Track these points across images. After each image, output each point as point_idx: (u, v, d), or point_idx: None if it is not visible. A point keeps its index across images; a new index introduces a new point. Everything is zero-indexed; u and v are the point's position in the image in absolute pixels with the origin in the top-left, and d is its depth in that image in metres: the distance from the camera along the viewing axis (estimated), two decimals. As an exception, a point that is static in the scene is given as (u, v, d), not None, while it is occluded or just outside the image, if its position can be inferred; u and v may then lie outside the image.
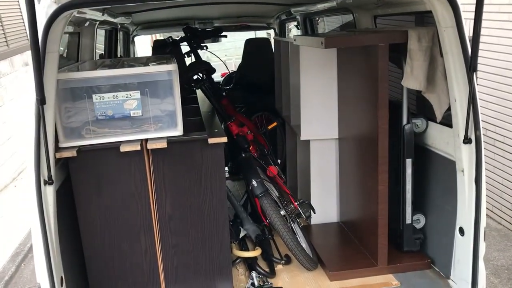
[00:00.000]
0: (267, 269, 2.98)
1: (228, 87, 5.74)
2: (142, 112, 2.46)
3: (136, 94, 2.43)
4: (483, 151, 2.48)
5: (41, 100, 2.10)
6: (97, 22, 3.58)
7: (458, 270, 2.69)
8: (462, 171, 2.54)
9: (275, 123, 4.58)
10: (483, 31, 5.51)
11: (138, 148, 2.44)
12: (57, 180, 2.39)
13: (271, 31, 6.20)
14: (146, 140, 2.50)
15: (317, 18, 5.23)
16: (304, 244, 3.07)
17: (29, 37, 1.99)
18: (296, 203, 3.16)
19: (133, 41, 5.75)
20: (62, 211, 2.40)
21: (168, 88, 2.45)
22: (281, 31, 5.81)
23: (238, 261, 3.11)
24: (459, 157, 2.55)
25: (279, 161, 4.71)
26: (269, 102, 4.75)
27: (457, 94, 2.49)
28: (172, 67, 2.44)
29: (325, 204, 3.55)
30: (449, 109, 2.63)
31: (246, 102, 5.06)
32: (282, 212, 3.06)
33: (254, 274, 2.89)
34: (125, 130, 2.48)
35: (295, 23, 5.50)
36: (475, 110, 2.42)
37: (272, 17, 5.59)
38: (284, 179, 3.66)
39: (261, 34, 9.11)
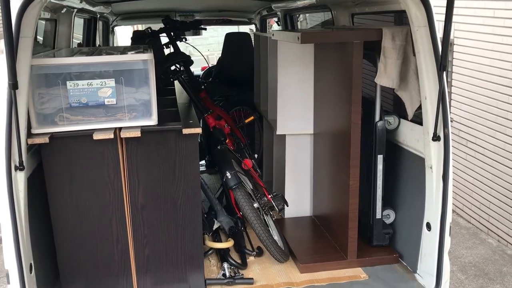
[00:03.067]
0: (239, 261, 3.02)
1: (207, 81, 5.74)
2: (116, 101, 2.45)
3: (111, 82, 2.42)
4: (451, 149, 2.56)
5: (13, 85, 2.09)
6: (75, 10, 3.55)
7: (424, 264, 2.76)
8: (431, 167, 2.61)
9: (252, 117, 4.61)
10: (458, 34, 5.66)
11: (112, 136, 2.43)
12: (29, 167, 2.38)
13: (253, 27, 6.23)
14: (120, 128, 2.50)
15: (297, 15, 5.27)
16: (276, 237, 3.11)
17: (2, 21, 1.97)
18: (269, 196, 3.20)
19: (112, 31, 5.70)
20: (33, 198, 2.38)
21: (143, 77, 2.45)
22: (262, 27, 5.84)
23: (210, 252, 3.13)
24: (428, 153, 2.62)
25: (256, 155, 4.75)
26: (248, 97, 4.77)
27: (428, 92, 2.55)
28: (147, 56, 2.44)
29: (299, 198, 3.60)
30: (420, 107, 2.69)
31: (225, 96, 5.08)
32: (255, 205, 3.09)
33: (225, 265, 2.91)
34: (99, 118, 2.48)
35: (276, 19, 5.53)
36: (444, 108, 2.49)
37: (253, 12, 5.61)
38: (259, 172, 3.70)
39: (245, 29, 9.11)
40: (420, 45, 2.51)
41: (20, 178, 2.25)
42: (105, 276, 2.67)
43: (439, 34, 2.43)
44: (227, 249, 3.09)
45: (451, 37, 5.60)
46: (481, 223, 5.62)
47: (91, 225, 2.59)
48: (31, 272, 2.32)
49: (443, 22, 2.32)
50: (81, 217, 2.57)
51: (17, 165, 2.22)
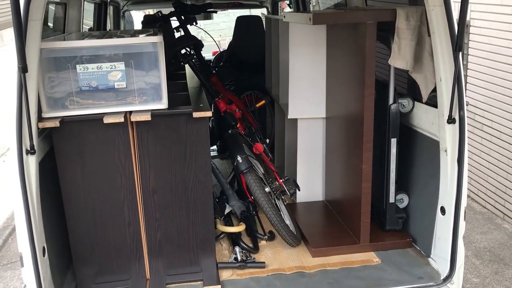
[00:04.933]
0: (250, 245, 3.01)
1: (218, 65, 5.70)
2: (126, 84, 2.44)
3: (121, 66, 2.40)
4: (467, 132, 2.50)
5: (23, 68, 2.08)
6: (85, -7, 3.53)
7: (438, 249, 2.73)
8: (445, 150, 2.56)
9: (263, 101, 4.58)
10: (475, 15, 5.52)
11: (122, 120, 2.42)
12: (40, 151, 2.38)
13: (265, 10, 6.15)
14: (131, 112, 2.49)
15: (309, -3, 5.19)
16: (288, 221, 3.09)
17: (10, 3, 1.95)
18: (281, 180, 3.18)
19: (123, 16, 5.68)
20: (45, 182, 2.39)
21: (153, 60, 2.43)
22: (274, 10, 5.76)
23: (222, 236, 3.13)
24: (442, 136, 2.57)
25: (267, 140, 4.72)
26: (259, 81, 4.73)
27: (443, 74, 2.49)
28: (157, 38, 2.41)
29: (311, 182, 3.57)
30: (435, 89, 2.64)
31: (236, 80, 5.04)
32: (267, 189, 3.08)
33: (237, 249, 2.91)
34: (109, 102, 2.46)
35: (288, 2, 5.46)
36: (460, 90, 2.43)
37: (265, -5, 5.55)
38: (270, 157, 3.67)
39: (257, 13, 9.02)
40: (435, 25, 2.44)
41: (32, 162, 2.25)
42: (117, 260, 2.69)
43: (455, 13, 2.36)
44: (239, 233, 3.09)
45: (467, 17, 5.47)
46: (496, 208, 5.55)
47: (103, 209, 2.60)
48: (44, 255, 2.34)
49: (459, 1, 2.25)
50: (93, 201, 2.58)
51: (28, 149, 2.23)
